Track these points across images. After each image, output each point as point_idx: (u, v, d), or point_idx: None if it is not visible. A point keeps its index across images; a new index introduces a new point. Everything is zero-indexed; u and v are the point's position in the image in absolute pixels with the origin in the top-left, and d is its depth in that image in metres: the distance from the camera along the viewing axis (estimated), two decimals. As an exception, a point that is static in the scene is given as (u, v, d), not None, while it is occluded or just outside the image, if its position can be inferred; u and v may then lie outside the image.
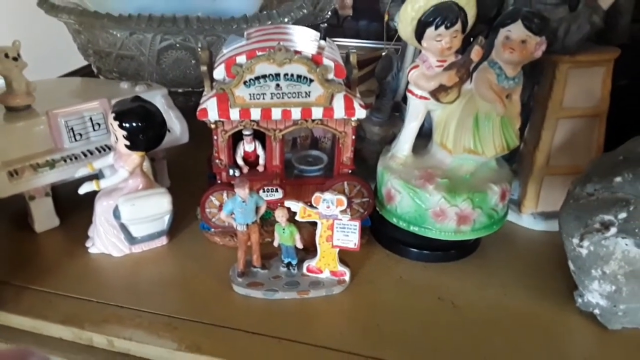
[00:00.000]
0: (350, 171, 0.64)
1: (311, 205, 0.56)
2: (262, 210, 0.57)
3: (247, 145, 0.63)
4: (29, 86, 0.66)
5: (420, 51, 0.72)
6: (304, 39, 0.62)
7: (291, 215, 0.56)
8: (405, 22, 0.56)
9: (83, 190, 0.59)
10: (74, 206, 0.68)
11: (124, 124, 0.57)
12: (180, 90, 0.85)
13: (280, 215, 0.56)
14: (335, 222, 0.55)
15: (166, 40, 0.77)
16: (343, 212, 0.55)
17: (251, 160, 0.65)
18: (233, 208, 0.55)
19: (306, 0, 0.94)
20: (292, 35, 0.63)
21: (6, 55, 0.64)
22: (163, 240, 0.64)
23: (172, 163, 0.77)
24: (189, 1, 0.80)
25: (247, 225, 0.56)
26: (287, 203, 0.55)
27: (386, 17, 0.74)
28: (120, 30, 0.75)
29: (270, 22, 0.79)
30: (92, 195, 0.62)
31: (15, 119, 0.64)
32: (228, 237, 0.64)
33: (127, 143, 0.58)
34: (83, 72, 1.00)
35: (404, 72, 0.76)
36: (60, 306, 0.54)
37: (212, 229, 0.65)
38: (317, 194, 0.55)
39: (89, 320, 0.52)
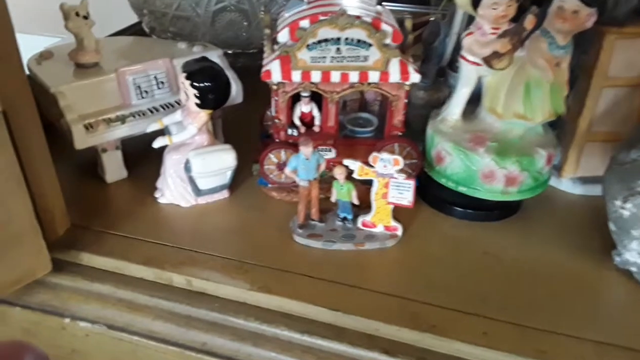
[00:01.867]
0: (400, 133, 0.68)
1: (367, 164, 0.60)
2: (322, 167, 0.61)
3: (305, 107, 0.67)
4: (98, 44, 0.70)
5: (468, 18, 0.74)
6: (362, 4, 0.64)
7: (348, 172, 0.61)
8: (463, -10, 0.59)
9: (157, 144, 0.64)
10: (139, 159, 0.73)
11: (195, 83, 0.61)
12: (230, 52, 0.88)
13: (339, 172, 0.60)
14: (391, 180, 0.59)
15: (221, 2, 0.80)
16: (399, 171, 0.59)
17: (307, 121, 0.69)
18: (297, 165, 0.60)
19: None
20: (350, 0, 0.65)
21: (77, 14, 0.68)
22: (225, 194, 0.69)
23: (225, 122, 0.81)
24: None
25: (309, 181, 0.60)
26: (346, 162, 0.60)
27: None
28: (178, -10, 0.78)
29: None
30: (156, 150, 0.66)
31: (87, 76, 0.68)
32: (284, 193, 0.69)
33: (198, 102, 0.62)
34: (132, 31, 1.03)
35: (450, 38, 0.78)
36: (140, 249, 0.60)
37: (270, 185, 0.70)
38: (374, 154, 0.59)
39: (167, 262, 0.58)
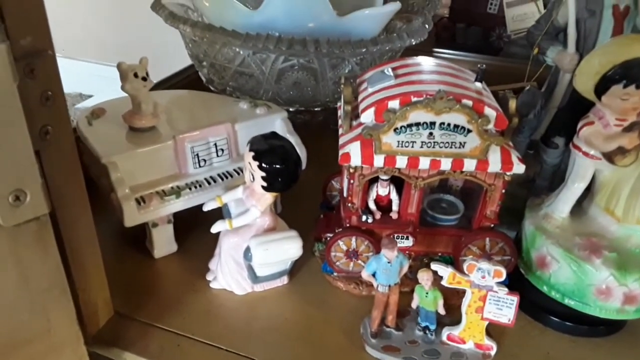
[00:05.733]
0: (492, 225, 0.58)
1: (449, 262, 0.51)
2: (405, 270, 0.52)
3: (382, 189, 0.59)
4: (157, 107, 0.64)
5: (572, 92, 0.65)
6: (459, 79, 0.56)
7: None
8: (587, 75, 0.50)
9: (216, 229, 0.57)
10: (190, 227, 0.66)
11: (263, 165, 0.53)
12: (291, 109, 0.81)
13: (425, 278, 0.51)
14: (490, 293, 0.50)
15: (289, 61, 0.73)
16: (500, 284, 0.49)
17: (382, 205, 0.60)
18: (376, 268, 0.51)
19: (425, 14, 0.88)
20: (445, 75, 0.57)
21: (135, 75, 0.62)
22: (284, 280, 0.61)
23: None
24: (311, 17, 0.75)
25: (389, 286, 0.52)
26: (434, 266, 0.51)
27: (535, 51, 0.67)
28: (245, 48, 0.71)
29: (400, 45, 0.73)
30: (207, 220, 0.59)
31: (141, 142, 0.61)
32: (353, 284, 0.61)
33: (265, 184, 0.54)
34: (187, 80, 0.98)
35: (548, 111, 0.69)
36: (190, 353, 0.52)
37: (335, 273, 0.62)
38: (471, 262, 0.49)
39: (222, 374, 0.50)
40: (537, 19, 0.70)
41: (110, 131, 0.64)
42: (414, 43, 0.75)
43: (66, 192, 0.44)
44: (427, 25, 0.83)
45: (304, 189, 0.74)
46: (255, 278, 0.59)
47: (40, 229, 0.40)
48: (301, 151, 0.70)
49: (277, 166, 0.53)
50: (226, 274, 0.59)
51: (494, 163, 0.53)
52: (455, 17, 1.43)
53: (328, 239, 0.62)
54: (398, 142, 0.53)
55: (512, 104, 0.54)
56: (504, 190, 0.56)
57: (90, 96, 2.19)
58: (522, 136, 0.71)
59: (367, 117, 0.53)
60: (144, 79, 0.62)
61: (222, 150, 0.65)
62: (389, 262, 0.50)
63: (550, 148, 0.69)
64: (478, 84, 0.56)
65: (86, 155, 0.63)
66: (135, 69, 0.62)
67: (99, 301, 0.53)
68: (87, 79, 2.09)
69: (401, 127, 0.52)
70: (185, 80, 0.98)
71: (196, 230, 0.66)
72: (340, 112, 0.61)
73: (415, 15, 0.90)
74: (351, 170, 0.56)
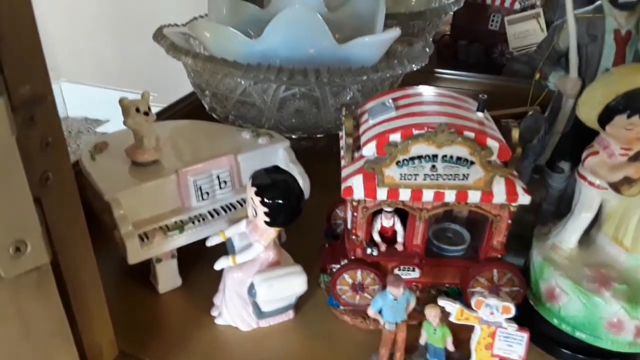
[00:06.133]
0: (499, 256, 0.58)
1: (457, 293, 0.50)
2: (412, 306, 0.52)
3: (386, 221, 0.58)
4: (159, 141, 0.64)
5: (576, 117, 0.64)
6: (461, 110, 0.55)
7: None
8: (590, 105, 0.49)
9: (219, 266, 0.57)
10: (194, 260, 0.66)
11: (266, 200, 0.53)
12: (293, 136, 0.81)
13: (432, 315, 0.50)
14: (499, 330, 0.49)
15: (290, 90, 0.73)
16: (509, 320, 0.49)
17: (387, 236, 0.60)
18: (383, 305, 0.50)
19: (426, 37, 0.88)
20: (446, 106, 0.56)
21: (137, 110, 0.62)
22: (290, 315, 0.61)
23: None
24: (311, 44, 0.75)
25: (396, 323, 0.51)
26: (442, 303, 0.50)
27: (537, 76, 0.67)
28: (246, 79, 0.71)
29: (401, 72, 0.73)
30: (211, 252, 0.59)
31: (144, 177, 0.61)
32: (360, 319, 0.60)
33: (267, 220, 0.54)
34: (189, 107, 0.98)
35: (552, 136, 0.68)
36: (195, 394, 0.52)
37: (342, 307, 0.61)
38: (479, 298, 0.49)
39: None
40: (538, 44, 0.70)
41: (113, 166, 0.64)
42: (415, 69, 0.75)
43: (68, 236, 0.43)
44: (427, 49, 0.83)
45: (308, 216, 0.73)
46: (260, 314, 0.59)
47: (41, 277, 0.39)
48: (304, 181, 0.69)
49: (280, 201, 0.53)
50: (231, 310, 0.59)
51: (499, 194, 0.53)
52: (457, 35, 1.43)
53: (333, 270, 0.62)
54: (401, 175, 0.52)
55: (515, 134, 0.54)
56: (510, 221, 0.55)
57: (96, 120, 2.21)
58: (527, 161, 0.70)
59: (369, 150, 0.53)
60: (146, 113, 0.62)
61: (225, 182, 0.65)
62: (395, 299, 0.50)
63: (555, 173, 0.68)
64: (480, 114, 0.55)
65: (89, 190, 0.63)
66: (137, 104, 0.62)
67: (103, 342, 0.52)
68: (90, 103, 2.11)
69: (403, 160, 0.52)
70: (189, 107, 0.99)
71: (200, 262, 0.66)
72: (342, 143, 0.61)
73: (416, 37, 0.90)
74: (354, 204, 0.55)
